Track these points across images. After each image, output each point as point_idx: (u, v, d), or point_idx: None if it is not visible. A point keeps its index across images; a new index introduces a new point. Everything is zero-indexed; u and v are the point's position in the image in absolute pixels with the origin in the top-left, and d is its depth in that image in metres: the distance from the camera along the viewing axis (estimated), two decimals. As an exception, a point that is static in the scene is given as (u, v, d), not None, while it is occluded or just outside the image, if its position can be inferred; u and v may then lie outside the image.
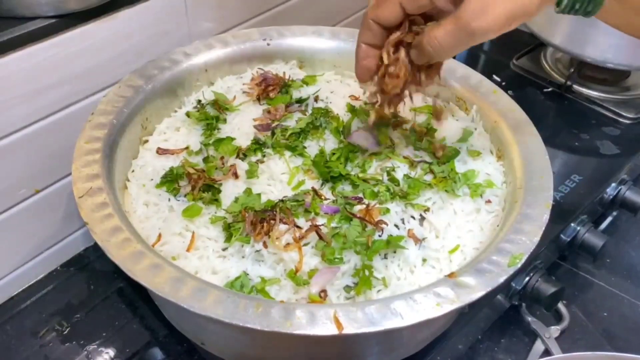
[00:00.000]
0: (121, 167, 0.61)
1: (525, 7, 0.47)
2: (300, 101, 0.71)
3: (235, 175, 0.61)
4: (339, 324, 0.44)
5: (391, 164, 0.63)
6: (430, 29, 0.51)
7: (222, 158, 0.63)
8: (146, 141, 0.67)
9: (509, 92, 0.71)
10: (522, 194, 0.57)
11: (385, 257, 0.54)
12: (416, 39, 0.53)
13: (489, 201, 0.60)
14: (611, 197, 0.82)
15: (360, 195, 0.59)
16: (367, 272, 0.52)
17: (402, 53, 0.54)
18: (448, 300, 0.47)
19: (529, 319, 0.71)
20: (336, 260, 0.53)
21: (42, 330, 0.65)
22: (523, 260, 0.50)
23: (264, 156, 0.63)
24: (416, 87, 0.58)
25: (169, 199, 0.59)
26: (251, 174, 0.61)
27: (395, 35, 0.54)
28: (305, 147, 0.64)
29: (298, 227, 0.55)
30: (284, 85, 0.72)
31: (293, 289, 0.52)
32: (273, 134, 0.65)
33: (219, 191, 0.59)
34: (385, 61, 0.55)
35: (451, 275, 0.49)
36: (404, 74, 0.55)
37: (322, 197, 0.59)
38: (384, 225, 0.55)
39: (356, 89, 0.76)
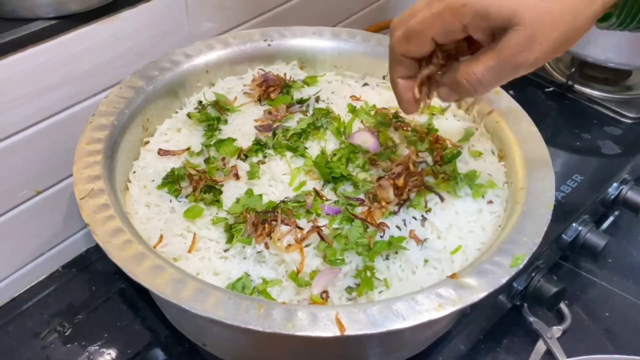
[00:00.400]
0: (122, 169, 0.61)
1: (575, 32, 0.44)
2: (301, 102, 0.71)
3: (237, 176, 0.61)
4: (340, 326, 0.44)
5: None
6: (466, 65, 0.48)
7: (223, 159, 0.63)
8: (147, 142, 0.67)
9: (510, 92, 0.71)
10: (524, 194, 0.57)
11: (387, 258, 0.54)
12: (447, 76, 0.50)
13: (490, 202, 0.60)
14: (613, 197, 0.82)
15: (362, 196, 0.59)
16: (368, 273, 0.52)
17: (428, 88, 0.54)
18: (450, 301, 0.47)
19: (531, 319, 0.70)
20: (338, 261, 0.53)
21: (44, 332, 0.65)
22: (525, 261, 0.50)
23: (265, 157, 0.63)
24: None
25: (171, 200, 0.59)
26: (252, 174, 0.61)
27: (426, 71, 0.52)
28: (306, 148, 0.64)
29: (299, 228, 0.55)
30: (285, 86, 0.72)
31: (295, 290, 0.52)
32: (274, 134, 0.65)
33: (220, 192, 0.59)
34: (417, 96, 0.54)
35: (453, 276, 0.49)
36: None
37: (324, 198, 0.59)
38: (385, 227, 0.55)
39: (357, 89, 0.76)
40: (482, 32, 0.45)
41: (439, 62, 0.51)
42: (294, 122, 0.68)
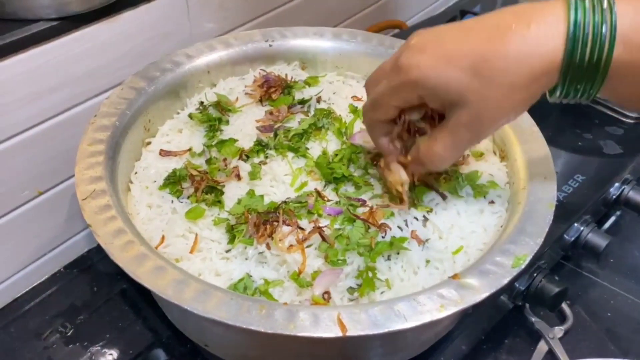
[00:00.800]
0: (124, 169, 0.61)
1: (515, 114, 0.49)
2: (302, 102, 0.71)
3: (238, 177, 0.61)
4: (342, 326, 0.44)
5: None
6: (426, 146, 0.52)
7: (224, 160, 0.63)
8: (149, 143, 0.67)
9: (512, 92, 0.70)
10: (526, 194, 0.57)
11: (389, 259, 0.54)
12: (411, 154, 0.55)
13: (492, 202, 0.60)
14: (615, 197, 0.82)
15: (363, 197, 0.59)
16: (370, 274, 0.52)
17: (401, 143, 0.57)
18: (452, 301, 0.47)
19: (533, 319, 0.70)
20: (339, 261, 0.53)
21: (46, 332, 0.66)
22: (527, 262, 0.50)
23: (266, 157, 0.63)
24: None
25: (172, 201, 0.59)
26: (254, 175, 0.61)
27: (396, 131, 0.55)
28: (307, 149, 0.64)
29: (301, 228, 0.55)
30: (286, 87, 0.72)
31: (296, 291, 0.52)
32: (275, 135, 0.65)
33: (222, 193, 0.59)
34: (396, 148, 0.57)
35: (455, 276, 0.49)
36: None
37: (325, 199, 0.59)
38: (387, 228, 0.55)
39: (358, 89, 0.76)
40: (436, 104, 0.50)
41: (404, 126, 0.55)
42: (296, 122, 0.68)
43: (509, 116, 0.49)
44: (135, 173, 0.63)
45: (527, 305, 0.71)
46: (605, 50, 0.42)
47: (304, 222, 0.56)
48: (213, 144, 0.64)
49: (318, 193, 0.59)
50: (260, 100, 0.71)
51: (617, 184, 0.82)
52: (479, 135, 0.51)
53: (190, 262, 0.54)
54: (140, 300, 0.68)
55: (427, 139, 0.53)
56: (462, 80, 0.46)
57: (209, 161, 0.63)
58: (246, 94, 0.72)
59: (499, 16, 0.47)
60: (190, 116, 0.68)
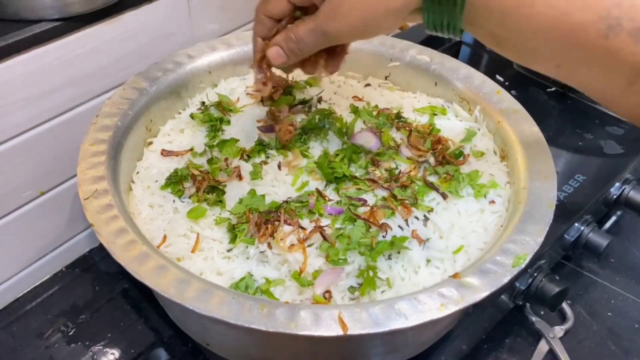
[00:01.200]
0: (126, 169, 0.61)
1: (374, 19, 0.48)
2: (303, 102, 0.71)
3: (240, 177, 0.61)
4: (343, 325, 0.45)
5: (394, 164, 0.63)
6: (294, 25, 0.53)
7: (226, 159, 0.63)
8: (150, 143, 0.67)
9: (512, 92, 0.71)
10: (526, 194, 0.58)
11: (390, 258, 0.54)
12: (279, 35, 0.55)
13: (492, 202, 0.61)
14: (615, 196, 0.82)
15: (364, 196, 0.59)
16: (371, 273, 0.52)
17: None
18: (452, 300, 0.47)
19: (533, 319, 0.71)
20: (340, 261, 0.53)
21: (48, 332, 0.66)
22: (527, 261, 0.50)
23: (267, 157, 0.64)
24: (318, 73, 0.59)
25: (174, 201, 0.60)
26: (255, 175, 0.61)
27: (275, 29, 0.56)
28: (308, 148, 0.64)
29: (302, 228, 0.55)
30: (287, 87, 0.72)
31: (297, 290, 0.52)
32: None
33: (223, 192, 0.60)
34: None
35: (455, 275, 0.49)
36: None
37: (326, 198, 0.59)
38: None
39: (359, 89, 0.76)
40: None
41: (286, 22, 0.55)
42: (297, 122, 0.68)
43: (364, 23, 0.48)
44: (137, 173, 0.64)
45: (528, 304, 0.71)
46: None
47: (305, 222, 0.56)
48: (214, 143, 0.65)
49: (319, 193, 0.59)
50: (262, 101, 0.71)
51: (617, 184, 0.82)
52: (331, 30, 0.50)
53: (192, 261, 0.54)
54: (142, 299, 0.69)
55: (297, 21, 0.54)
56: None
57: (210, 161, 0.63)
58: (247, 94, 0.72)
59: None
60: (192, 116, 0.68)
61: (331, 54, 0.57)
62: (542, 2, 0.42)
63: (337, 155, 0.63)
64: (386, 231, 0.55)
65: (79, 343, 0.64)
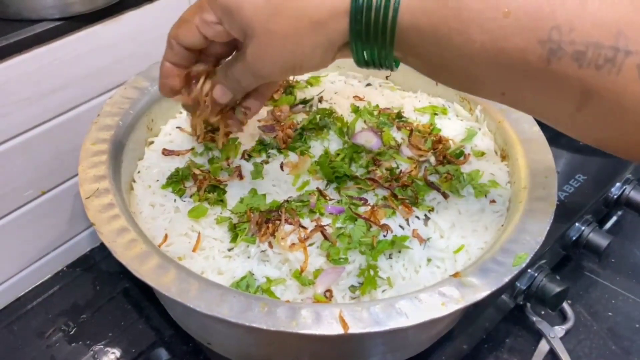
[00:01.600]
0: (127, 168, 0.62)
1: (303, 58, 0.44)
2: (304, 102, 0.71)
3: (240, 176, 0.61)
4: (344, 324, 0.45)
5: (395, 163, 0.63)
6: (226, 65, 0.50)
7: (227, 159, 0.63)
8: (152, 142, 0.67)
9: (513, 92, 0.71)
10: (527, 193, 0.58)
11: (390, 257, 0.55)
12: (217, 75, 0.51)
13: (493, 201, 0.61)
14: (616, 196, 0.82)
15: (365, 196, 0.59)
16: (372, 272, 0.52)
17: (207, 86, 0.52)
18: (453, 299, 0.47)
19: (534, 318, 0.71)
20: (341, 260, 0.53)
21: (49, 331, 0.66)
22: (527, 260, 0.50)
23: (268, 157, 0.64)
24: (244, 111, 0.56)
25: (175, 200, 0.60)
26: (256, 174, 0.61)
27: (200, 68, 0.52)
28: (309, 148, 0.65)
29: (303, 227, 0.55)
30: (288, 87, 0.73)
31: (298, 289, 0.52)
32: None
33: (224, 192, 0.60)
34: (193, 95, 0.53)
35: (456, 275, 0.49)
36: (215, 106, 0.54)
37: (327, 198, 0.59)
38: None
39: (360, 89, 0.76)
40: (235, 31, 0.45)
41: (208, 66, 0.52)
42: (298, 122, 0.68)
43: (291, 64, 0.45)
44: (138, 172, 0.64)
45: (529, 304, 0.71)
46: (391, 11, 0.40)
47: (306, 221, 0.56)
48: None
49: (320, 192, 0.59)
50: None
51: (618, 184, 0.82)
52: (261, 71, 0.47)
53: (193, 260, 0.55)
54: (143, 299, 0.69)
55: (229, 60, 0.50)
56: (256, 5, 0.42)
57: (211, 160, 0.63)
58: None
59: None
60: (193, 116, 0.68)
61: (253, 92, 0.54)
62: (477, 28, 0.39)
63: (338, 154, 0.63)
64: (387, 230, 0.55)
65: (80, 342, 0.65)
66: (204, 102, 0.53)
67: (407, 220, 0.57)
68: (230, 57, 0.51)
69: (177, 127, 0.68)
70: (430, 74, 0.45)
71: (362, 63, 0.45)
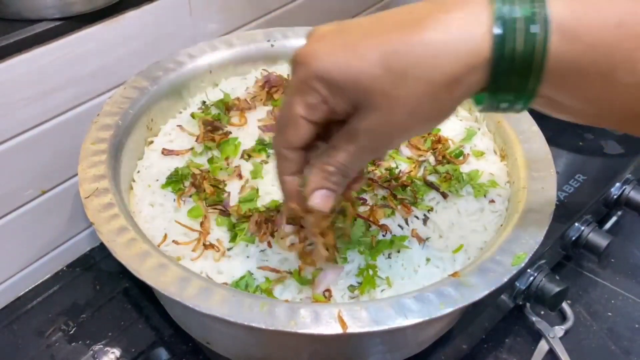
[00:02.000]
0: (127, 168, 0.62)
1: (440, 117, 0.40)
2: (304, 102, 0.71)
3: (240, 176, 0.61)
4: (343, 323, 0.45)
5: (394, 163, 0.63)
6: (328, 156, 0.42)
7: (226, 159, 0.63)
8: (151, 142, 0.67)
9: (513, 92, 0.71)
10: (526, 193, 0.58)
11: (389, 257, 0.55)
12: (315, 173, 0.43)
13: (492, 201, 0.61)
14: (615, 196, 0.82)
15: (364, 196, 0.59)
16: (371, 272, 0.52)
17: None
18: (452, 299, 0.47)
19: (533, 318, 0.71)
20: (340, 259, 0.53)
21: (49, 330, 0.66)
22: (526, 260, 0.50)
23: (268, 157, 0.64)
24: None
25: (174, 199, 0.60)
26: (256, 174, 0.61)
27: (326, 222, 0.49)
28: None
29: (302, 227, 0.55)
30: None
31: (297, 289, 0.52)
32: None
33: (224, 192, 0.60)
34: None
35: (455, 274, 0.49)
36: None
37: (326, 197, 0.59)
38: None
39: (360, 89, 0.76)
40: (341, 107, 0.39)
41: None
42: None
43: (423, 126, 0.41)
44: (138, 172, 0.64)
45: (528, 304, 0.71)
46: (539, 40, 0.35)
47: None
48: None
49: (319, 192, 0.59)
50: (262, 100, 0.71)
51: (618, 184, 0.82)
52: (384, 146, 0.42)
53: (193, 260, 0.54)
54: (143, 298, 0.69)
55: (328, 149, 0.42)
56: (374, 74, 0.37)
57: (211, 160, 0.63)
58: (248, 94, 0.72)
59: (415, 4, 0.38)
60: (193, 115, 0.69)
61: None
62: (623, 70, 0.35)
63: (338, 154, 0.63)
64: (386, 230, 0.55)
65: (80, 342, 0.65)
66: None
67: (406, 220, 0.57)
68: (321, 152, 0.43)
69: (178, 126, 0.68)
70: (547, 110, 0.40)
71: (492, 109, 0.40)
